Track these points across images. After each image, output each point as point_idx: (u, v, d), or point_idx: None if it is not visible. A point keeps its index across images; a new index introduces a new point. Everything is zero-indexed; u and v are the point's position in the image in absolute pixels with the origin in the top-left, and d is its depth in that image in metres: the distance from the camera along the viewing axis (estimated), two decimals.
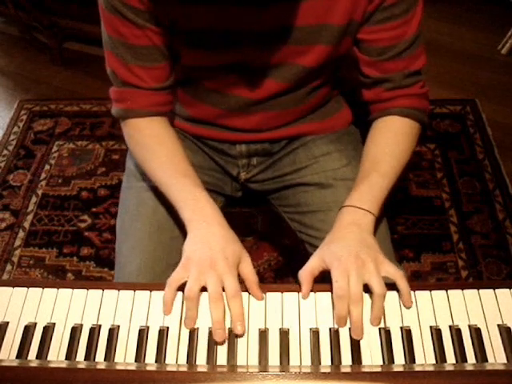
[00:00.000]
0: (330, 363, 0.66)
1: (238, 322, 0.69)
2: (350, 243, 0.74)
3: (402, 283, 0.71)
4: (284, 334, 0.68)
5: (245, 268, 0.75)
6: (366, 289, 0.71)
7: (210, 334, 0.68)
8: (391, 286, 0.71)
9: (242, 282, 0.74)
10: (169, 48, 0.84)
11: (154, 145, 0.88)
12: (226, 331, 0.68)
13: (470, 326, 0.69)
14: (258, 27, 0.79)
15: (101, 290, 0.73)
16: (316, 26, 0.80)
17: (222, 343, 0.68)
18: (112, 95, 0.90)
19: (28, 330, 0.69)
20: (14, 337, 0.69)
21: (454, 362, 0.66)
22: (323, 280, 0.74)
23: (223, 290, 0.70)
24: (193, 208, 0.80)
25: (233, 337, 0.68)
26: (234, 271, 0.73)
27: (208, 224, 0.78)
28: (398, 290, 0.71)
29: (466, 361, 0.65)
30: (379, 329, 0.69)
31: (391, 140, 0.87)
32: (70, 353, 0.67)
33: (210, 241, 0.75)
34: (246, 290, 0.73)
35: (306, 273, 0.73)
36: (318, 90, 0.94)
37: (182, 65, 0.87)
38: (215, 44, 0.81)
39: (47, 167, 1.89)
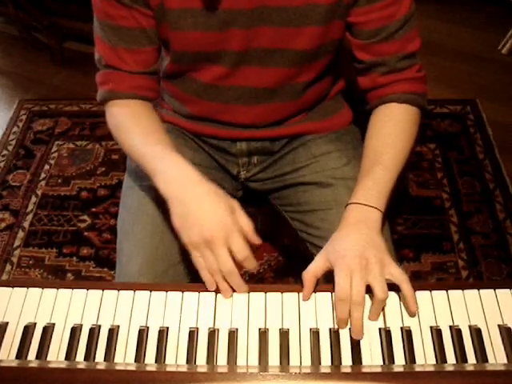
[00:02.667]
0: (330, 363, 0.66)
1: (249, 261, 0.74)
2: (355, 242, 0.73)
3: (407, 288, 0.69)
4: (284, 334, 0.68)
5: (239, 218, 0.76)
6: (368, 290, 0.70)
7: (210, 334, 0.68)
8: (391, 286, 0.71)
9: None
10: (155, 33, 0.84)
11: (130, 124, 0.87)
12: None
13: (470, 326, 0.68)
14: (246, 6, 0.79)
15: (100, 290, 0.73)
16: (304, 5, 0.79)
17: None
18: (97, 79, 0.90)
19: (27, 331, 0.69)
20: (13, 337, 0.69)
21: (455, 362, 0.66)
22: (325, 280, 0.74)
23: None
24: (166, 169, 0.77)
25: (233, 337, 0.68)
26: (235, 231, 0.74)
27: (185, 184, 0.76)
28: (399, 291, 0.71)
29: (467, 361, 0.65)
30: (379, 329, 0.69)
31: (392, 129, 0.86)
32: (70, 353, 0.67)
33: (197, 214, 0.74)
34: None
35: (310, 275, 0.72)
36: (315, 84, 0.93)
37: (172, 52, 0.87)
38: (201, 25, 0.81)
39: (47, 167, 1.88)
